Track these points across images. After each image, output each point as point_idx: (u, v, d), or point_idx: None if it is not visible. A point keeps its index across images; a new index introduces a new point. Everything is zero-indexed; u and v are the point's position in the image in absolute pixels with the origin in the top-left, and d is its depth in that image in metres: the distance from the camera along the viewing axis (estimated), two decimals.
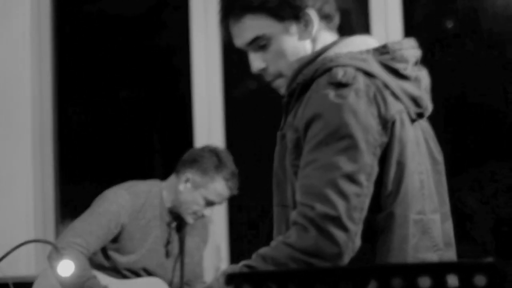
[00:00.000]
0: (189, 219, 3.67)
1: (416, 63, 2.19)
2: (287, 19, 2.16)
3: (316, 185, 1.97)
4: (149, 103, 5.14)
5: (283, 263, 1.97)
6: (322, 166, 1.97)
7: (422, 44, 2.23)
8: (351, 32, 2.26)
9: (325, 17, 2.20)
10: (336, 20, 2.24)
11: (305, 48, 2.18)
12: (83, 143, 5.14)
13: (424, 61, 2.23)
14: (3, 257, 3.03)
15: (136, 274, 3.69)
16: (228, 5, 2.23)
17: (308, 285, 1.44)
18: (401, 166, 2.03)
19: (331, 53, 2.13)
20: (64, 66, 5.11)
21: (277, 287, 1.44)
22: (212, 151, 3.68)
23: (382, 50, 2.14)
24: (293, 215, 2.01)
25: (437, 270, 1.37)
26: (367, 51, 2.13)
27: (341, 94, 2.00)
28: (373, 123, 2.00)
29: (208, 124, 4.73)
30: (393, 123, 2.03)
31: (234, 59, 4.71)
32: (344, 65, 2.05)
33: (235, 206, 4.66)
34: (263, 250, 2.03)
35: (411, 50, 2.17)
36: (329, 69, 2.06)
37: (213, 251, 4.63)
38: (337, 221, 1.94)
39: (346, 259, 1.96)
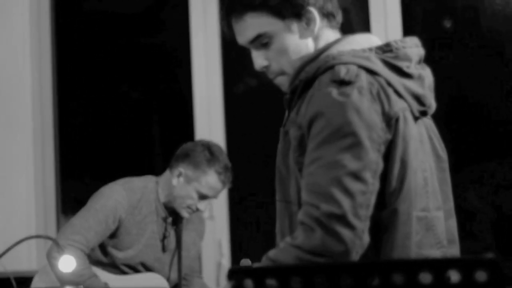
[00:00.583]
0: (184, 213, 3.69)
1: (419, 62, 2.19)
2: (289, 17, 2.16)
3: (321, 183, 1.97)
4: (149, 100, 5.15)
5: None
6: (326, 164, 1.98)
7: (421, 43, 2.24)
8: (351, 31, 2.26)
9: (327, 15, 2.20)
10: (339, 18, 2.25)
11: (307, 46, 2.18)
12: (84, 139, 5.15)
13: (424, 59, 2.24)
14: (5, 252, 3.04)
15: (134, 270, 3.71)
16: (230, 3, 2.23)
17: (310, 280, 1.44)
18: (404, 163, 2.03)
19: (333, 50, 2.14)
20: (65, 63, 5.12)
21: (278, 283, 1.45)
22: (204, 145, 3.70)
23: (385, 48, 2.14)
24: (300, 215, 2.01)
25: (438, 266, 1.37)
26: (370, 49, 2.13)
27: (344, 92, 2.00)
28: (377, 120, 2.00)
29: (209, 121, 4.74)
30: (397, 120, 2.03)
31: (233, 56, 4.72)
32: (346, 63, 2.06)
33: (236, 202, 4.67)
34: (272, 253, 2.03)
35: (414, 48, 2.18)
36: (331, 67, 2.06)
37: (215, 247, 4.64)
38: (343, 219, 1.94)
39: (354, 256, 1.96)
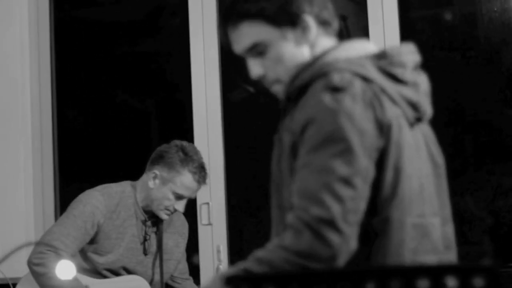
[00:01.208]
0: (162, 215, 3.73)
1: (415, 68, 2.19)
2: (285, 25, 2.17)
3: (311, 188, 1.98)
4: (148, 108, 5.15)
5: (278, 266, 1.98)
6: (317, 169, 1.98)
7: (419, 48, 2.24)
8: (349, 37, 2.26)
9: (323, 23, 2.20)
10: (335, 25, 2.24)
11: (303, 54, 2.19)
12: (82, 146, 5.15)
13: (421, 65, 2.23)
14: (4, 258, 3.04)
15: (116, 274, 3.74)
16: (226, 12, 2.24)
17: (306, 287, 1.45)
18: (398, 170, 2.04)
19: (329, 57, 2.14)
20: (63, 71, 5.12)
21: None
22: (177, 146, 3.74)
23: (380, 55, 2.14)
24: (289, 217, 2.02)
25: (436, 273, 1.38)
26: (365, 56, 2.13)
27: (337, 98, 2.00)
28: (369, 127, 2.00)
29: (207, 128, 4.74)
30: (390, 127, 2.03)
31: (232, 64, 4.72)
32: (340, 70, 2.06)
33: (234, 208, 4.68)
34: (259, 253, 2.04)
35: (409, 55, 2.18)
36: (326, 74, 2.06)
37: (213, 252, 4.64)
38: (331, 224, 1.94)
39: (341, 261, 1.96)
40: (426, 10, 4.71)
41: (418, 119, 2.15)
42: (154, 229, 3.82)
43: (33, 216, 4.81)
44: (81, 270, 3.70)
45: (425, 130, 2.20)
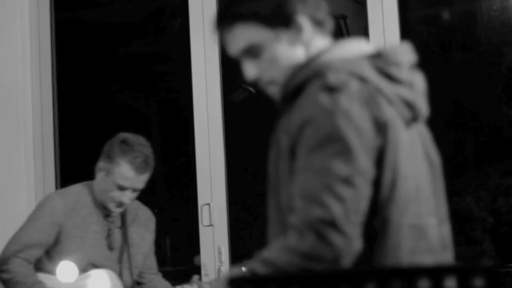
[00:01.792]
0: (112, 208, 3.74)
1: (410, 68, 2.18)
2: (279, 26, 2.16)
3: (312, 189, 1.97)
4: (149, 109, 5.16)
5: (283, 268, 1.98)
6: (317, 170, 1.98)
7: (419, 48, 2.25)
8: (349, 37, 2.26)
9: (317, 23, 2.19)
10: (329, 25, 2.23)
11: (298, 54, 2.17)
12: (84, 148, 5.16)
13: (421, 65, 2.23)
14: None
15: (85, 272, 3.75)
16: (220, 15, 2.24)
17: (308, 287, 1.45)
18: (395, 170, 2.04)
19: (324, 58, 2.13)
20: (65, 72, 5.13)
21: None
22: (121, 138, 3.75)
23: (376, 55, 2.13)
24: (291, 220, 2.01)
25: (436, 273, 1.39)
26: (361, 56, 2.13)
27: (333, 98, 2.00)
28: (367, 126, 2.00)
29: (208, 129, 4.74)
30: (387, 126, 2.03)
31: (233, 65, 4.72)
32: (336, 70, 2.06)
33: (236, 208, 4.68)
34: (264, 254, 2.04)
35: (405, 54, 2.17)
36: (321, 74, 2.06)
37: (215, 253, 4.65)
38: (334, 225, 1.94)
39: (347, 262, 1.96)
40: (426, 9, 4.71)
41: (414, 119, 2.14)
42: (119, 224, 3.83)
43: None
44: (47, 271, 3.72)
45: (421, 130, 2.19)
